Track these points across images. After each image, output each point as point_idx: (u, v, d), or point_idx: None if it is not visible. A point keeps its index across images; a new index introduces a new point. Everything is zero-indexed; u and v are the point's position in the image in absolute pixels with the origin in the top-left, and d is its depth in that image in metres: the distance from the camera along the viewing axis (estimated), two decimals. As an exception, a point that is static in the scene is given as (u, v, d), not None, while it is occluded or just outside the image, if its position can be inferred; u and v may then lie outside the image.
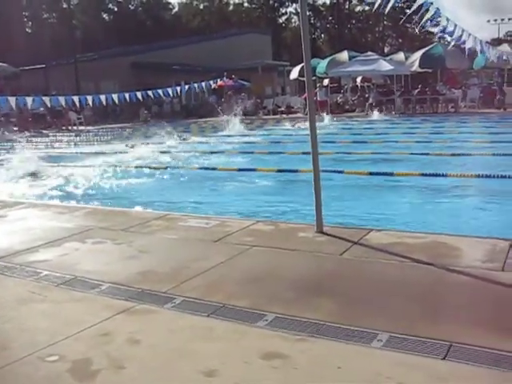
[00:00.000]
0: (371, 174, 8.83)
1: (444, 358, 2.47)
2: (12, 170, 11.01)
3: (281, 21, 79.81)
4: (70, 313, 3.27)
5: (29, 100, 16.92)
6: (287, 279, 3.65)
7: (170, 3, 79.74)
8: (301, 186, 8.32)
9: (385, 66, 25.79)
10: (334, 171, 8.63)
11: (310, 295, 3.34)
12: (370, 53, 29.20)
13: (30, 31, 63.16)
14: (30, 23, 65.69)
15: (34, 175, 10.57)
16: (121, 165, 11.45)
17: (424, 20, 6.98)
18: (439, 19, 7.76)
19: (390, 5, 4.77)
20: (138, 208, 6.61)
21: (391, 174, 8.62)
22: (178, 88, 23.76)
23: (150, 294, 3.44)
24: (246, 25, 68.97)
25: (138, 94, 21.51)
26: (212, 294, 3.39)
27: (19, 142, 14.72)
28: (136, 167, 11.14)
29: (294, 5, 77.39)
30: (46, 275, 3.95)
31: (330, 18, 72.27)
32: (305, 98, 29.01)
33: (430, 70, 26.80)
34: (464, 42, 9.94)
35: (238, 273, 3.81)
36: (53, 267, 4.12)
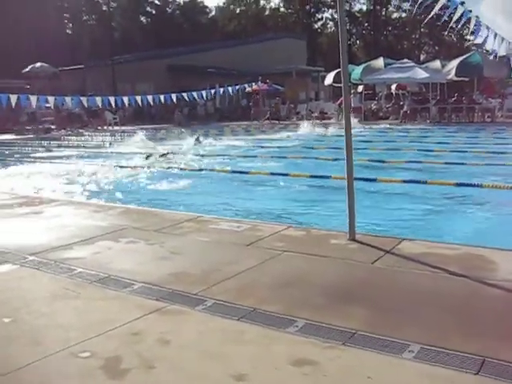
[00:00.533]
0: (404, 182, 8.75)
1: (477, 373, 2.43)
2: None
3: (316, 26, 79.68)
4: (102, 310, 3.32)
5: (67, 100, 17.23)
6: (318, 285, 3.64)
7: (206, 7, 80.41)
8: (333, 192, 8.31)
9: (420, 73, 25.48)
10: (367, 179, 8.57)
11: (341, 303, 3.32)
12: (405, 60, 28.89)
13: (70, 32, 64.41)
14: (71, 25, 66.99)
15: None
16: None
17: (462, 27, 6.88)
18: (478, 27, 7.63)
19: (432, 13, 4.71)
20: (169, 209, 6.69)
21: (425, 183, 8.52)
22: (213, 91, 23.88)
23: (182, 295, 3.46)
24: (281, 29, 69.07)
25: (173, 96, 21.72)
26: (243, 297, 3.40)
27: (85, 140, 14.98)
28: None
29: (330, 10, 77.22)
30: (79, 272, 4.02)
31: (366, 24, 71.86)
32: (339, 104, 28.99)
33: (466, 79, 26.39)
34: (502, 51, 9.76)
35: (269, 277, 3.81)
36: (87, 265, 4.18)
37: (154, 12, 73.01)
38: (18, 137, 24.44)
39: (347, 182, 4.68)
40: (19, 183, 9.92)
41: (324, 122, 28.44)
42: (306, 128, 22.10)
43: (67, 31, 64.35)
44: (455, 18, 6.44)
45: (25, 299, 3.57)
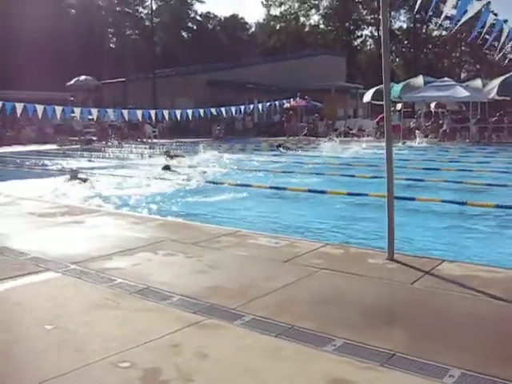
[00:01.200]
0: (443, 201, 8.63)
1: (520, 401, 2.38)
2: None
3: (356, 43, 79.68)
4: (141, 321, 3.36)
5: (109, 112, 17.62)
6: (356, 304, 3.62)
7: (247, 23, 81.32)
8: (370, 210, 8.26)
9: (461, 92, 25.15)
10: (405, 197, 8.48)
11: (379, 323, 3.29)
12: (446, 78, 28.57)
13: (113, 46, 65.93)
14: (114, 39, 68.57)
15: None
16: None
17: (504, 46, 6.78)
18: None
19: (474, 32, 4.67)
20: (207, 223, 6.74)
21: (464, 204, 8.38)
22: (251, 106, 24.08)
23: (220, 310, 3.49)
24: (321, 46, 69.27)
25: (212, 111, 21.96)
26: (281, 314, 3.40)
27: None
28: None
29: (370, 28, 77.15)
30: (119, 283, 4.09)
31: (406, 42, 71.49)
32: (377, 122, 28.83)
33: (508, 98, 25.93)
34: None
35: (307, 295, 3.80)
36: (126, 275, 4.25)
37: (195, 27, 74.15)
38: (61, 147, 25.04)
39: (387, 201, 4.65)
40: (61, 192, 10.16)
41: (362, 139, 28.31)
42: (342, 145, 22.02)
43: (111, 45, 65.90)
44: (497, 36, 6.36)
45: (66, 307, 3.65)
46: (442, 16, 4.74)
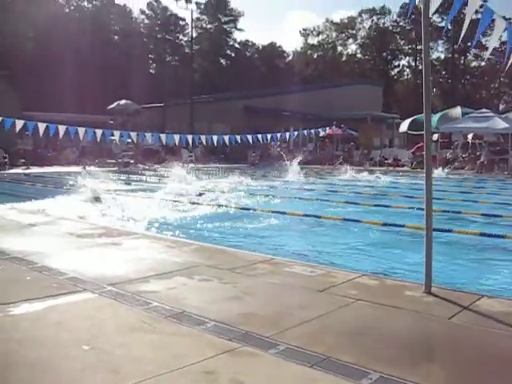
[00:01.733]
0: (482, 235, 8.46)
1: None
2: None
3: (393, 73, 79.65)
4: (176, 346, 3.38)
5: (147, 136, 17.95)
6: (392, 338, 3.56)
7: (284, 52, 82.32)
8: (407, 242, 8.16)
9: (499, 123, 24.82)
10: (442, 229, 8.36)
11: (415, 357, 3.24)
12: (484, 110, 28.27)
13: (153, 72, 67.44)
14: (154, 65, 70.17)
15: None
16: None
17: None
18: None
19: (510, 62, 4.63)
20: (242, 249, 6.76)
21: (503, 237, 8.21)
22: (287, 134, 24.21)
23: (254, 338, 3.48)
24: (358, 75, 69.49)
25: (248, 137, 22.16)
26: (315, 344, 3.37)
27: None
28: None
29: (408, 58, 77.08)
30: (155, 306, 4.12)
31: (444, 72, 71.19)
32: (413, 152, 28.61)
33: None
34: None
35: (342, 326, 3.77)
36: (162, 299, 4.28)
37: (233, 55, 75.37)
38: (100, 169, 25.52)
39: (426, 233, 4.59)
40: (98, 213, 10.35)
41: (397, 169, 28.11)
42: (378, 174, 21.89)
43: (151, 71, 67.42)
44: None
45: (103, 328, 3.70)
46: (490, 49, 4.71)
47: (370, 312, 4.11)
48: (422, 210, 4.76)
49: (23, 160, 26.33)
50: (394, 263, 6.90)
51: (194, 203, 12.18)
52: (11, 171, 23.57)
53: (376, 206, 12.23)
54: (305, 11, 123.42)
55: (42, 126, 14.19)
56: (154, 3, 71.93)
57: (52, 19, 53.94)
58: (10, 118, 14.23)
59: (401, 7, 71.09)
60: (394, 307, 4.17)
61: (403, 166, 29.33)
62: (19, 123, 14.23)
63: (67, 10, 64.33)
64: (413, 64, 76.43)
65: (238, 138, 21.21)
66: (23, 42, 54.96)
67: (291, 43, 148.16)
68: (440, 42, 67.81)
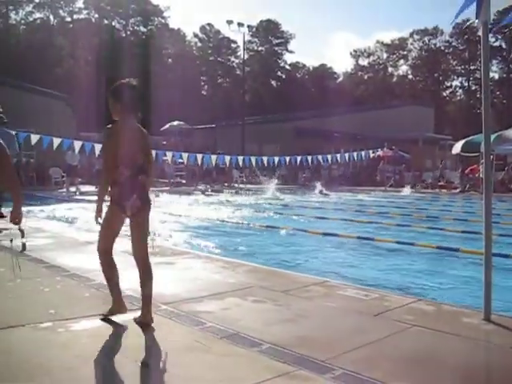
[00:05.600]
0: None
1: None
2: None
3: (444, 94, 78.47)
4: (232, 367, 3.39)
5: (199, 156, 18.23)
6: (450, 366, 3.47)
7: (335, 73, 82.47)
8: (461, 266, 7.95)
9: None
10: (500, 254, 8.11)
11: (477, 388, 3.15)
12: (540, 131, 27.38)
13: (205, 93, 68.67)
14: (206, 86, 71.47)
15: None
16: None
17: None
18: None
19: None
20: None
21: None
22: (338, 156, 24.14)
23: (309, 361, 3.45)
24: (409, 96, 68.74)
25: (298, 158, 22.20)
26: (372, 369, 3.32)
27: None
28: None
29: (460, 78, 75.80)
30: (209, 326, 4.15)
31: (498, 92, 69.64)
32: (467, 174, 27.95)
33: None
34: None
35: (399, 351, 3.70)
36: (216, 319, 4.31)
37: (284, 76, 75.94)
38: (155, 188, 25.96)
39: (484, 258, 4.47)
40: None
41: (450, 191, 27.54)
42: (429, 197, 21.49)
43: (203, 92, 68.68)
44: None
45: (159, 347, 3.75)
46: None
47: (427, 338, 4.02)
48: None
49: (80, 179, 27.04)
50: (451, 289, 6.73)
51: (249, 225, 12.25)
52: (63, 189, 24.27)
53: (429, 228, 12.01)
54: (349, 33, 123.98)
55: (98, 147, 14.61)
56: (207, 27, 73.59)
57: (109, 43, 55.83)
58: (68, 139, 14.73)
59: (453, 27, 70.28)
60: (451, 334, 4.07)
61: (456, 188, 28.69)
62: (77, 144, 14.71)
63: (124, 35, 66.54)
64: (466, 84, 75.16)
65: (288, 159, 21.28)
66: (82, 65, 57.04)
67: (342, 64, 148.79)
68: (494, 61, 66.55)
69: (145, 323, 4.15)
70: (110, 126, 4.19)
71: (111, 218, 4.21)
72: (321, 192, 20.38)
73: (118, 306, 4.35)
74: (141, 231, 4.27)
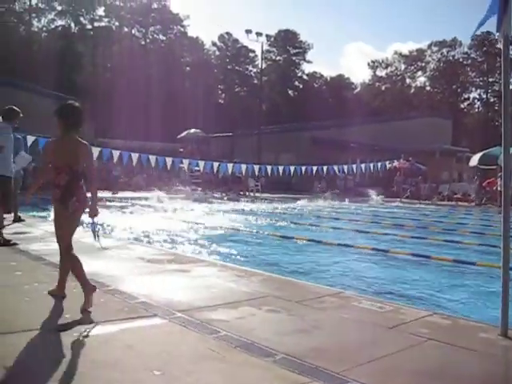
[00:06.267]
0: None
1: None
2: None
3: (462, 106, 78.05)
4: (246, 377, 3.38)
5: (215, 164, 18.29)
6: (466, 382, 3.44)
7: (352, 83, 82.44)
8: (477, 280, 7.88)
9: None
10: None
11: (493, 404, 3.11)
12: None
13: (222, 102, 68.98)
14: (223, 95, 71.79)
15: None
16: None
17: None
18: None
19: None
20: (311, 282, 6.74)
21: None
22: (354, 166, 24.07)
23: (324, 373, 3.43)
24: (426, 108, 68.43)
25: (314, 168, 22.17)
26: (386, 383, 3.30)
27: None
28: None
29: (479, 90, 75.33)
30: (224, 335, 4.15)
31: (516, 105, 69.00)
32: (484, 187, 27.72)
33: None
34: None
35: (414, 365, 3.66)
36: (231, 328, 4.31)
37: (301, 86, 76.04)
38: (174, 195, 26.09)
39: (502, 272, 4.43)
40: (164, 238, 10.60)
41: (466, 204, 27.32)
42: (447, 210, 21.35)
43: (220, 101, 69.01)
44: None
45: (173, 355, 3.75)
46: None
47: (443, 353, 3.98)
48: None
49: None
50: (465, 303, 6.67)
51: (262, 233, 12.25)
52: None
53: (445, 241, 11.93)
54: (365, 44, 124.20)
55: (115, 153, 14.75)
56: (226, 36, 74.05)
57: (128, 51, 56.38)
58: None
59: (472, 39, 70.00)
60: (468, 349, 4.02)
61: (473, 201, 28.47)
62: (95, 150, 14.82)
63: (143, 43, 67.14)
64: (484, 96, 74.68)
65: (304, 168, 21.26)
66: (100, 72, 57.62)
67: (359, 75, 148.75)
68: (512, 73, 66.10)
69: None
70: (54, 139, 5.02)
71: (57, 217, 4.95)
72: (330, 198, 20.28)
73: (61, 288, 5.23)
74: (71, 224, 4.91)
